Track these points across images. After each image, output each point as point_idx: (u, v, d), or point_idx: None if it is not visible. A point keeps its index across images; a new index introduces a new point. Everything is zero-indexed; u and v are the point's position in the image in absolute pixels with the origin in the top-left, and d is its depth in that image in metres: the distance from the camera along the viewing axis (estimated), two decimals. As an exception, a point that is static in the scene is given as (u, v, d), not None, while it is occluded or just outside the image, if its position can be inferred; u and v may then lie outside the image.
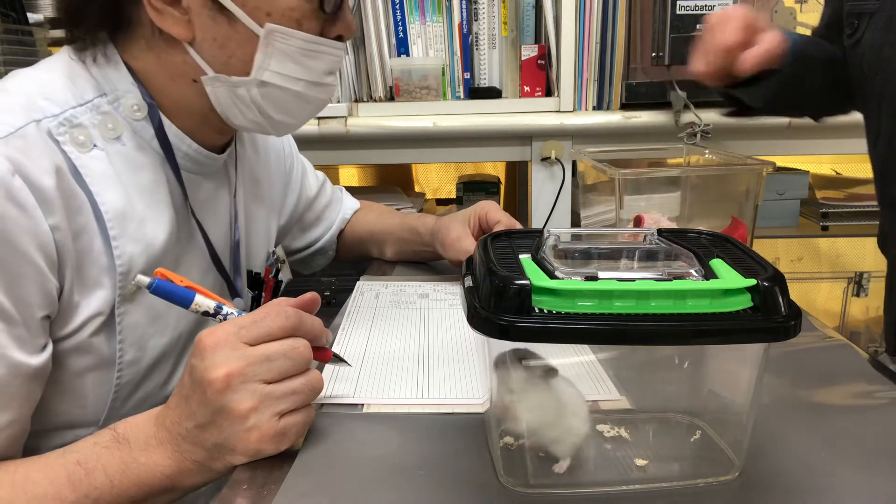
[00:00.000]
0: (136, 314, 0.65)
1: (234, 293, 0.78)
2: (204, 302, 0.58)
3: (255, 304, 0.84)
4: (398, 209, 1.49)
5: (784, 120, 1.38)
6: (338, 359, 0.60)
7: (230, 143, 0.78)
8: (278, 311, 0.52)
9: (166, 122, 0.67)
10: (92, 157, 0.61)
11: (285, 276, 0.97)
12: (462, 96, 1.45)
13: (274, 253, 0.92)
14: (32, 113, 0.59)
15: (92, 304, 0.62)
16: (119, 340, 0.64)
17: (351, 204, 1.10)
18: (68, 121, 0.61)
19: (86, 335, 0.62)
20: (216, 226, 0.76)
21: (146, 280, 0.57)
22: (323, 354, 0.58)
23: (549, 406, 0.47)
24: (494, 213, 0.91)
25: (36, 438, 0.62)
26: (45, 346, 0.59)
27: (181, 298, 0.58)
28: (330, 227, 1.06)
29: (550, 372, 0.48)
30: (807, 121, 1.38)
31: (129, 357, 0.65)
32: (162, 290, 0.58)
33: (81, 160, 0.60)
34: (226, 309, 0.58)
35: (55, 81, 0.63)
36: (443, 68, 1.42)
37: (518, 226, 0.91)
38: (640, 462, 0.49)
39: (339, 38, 0.68)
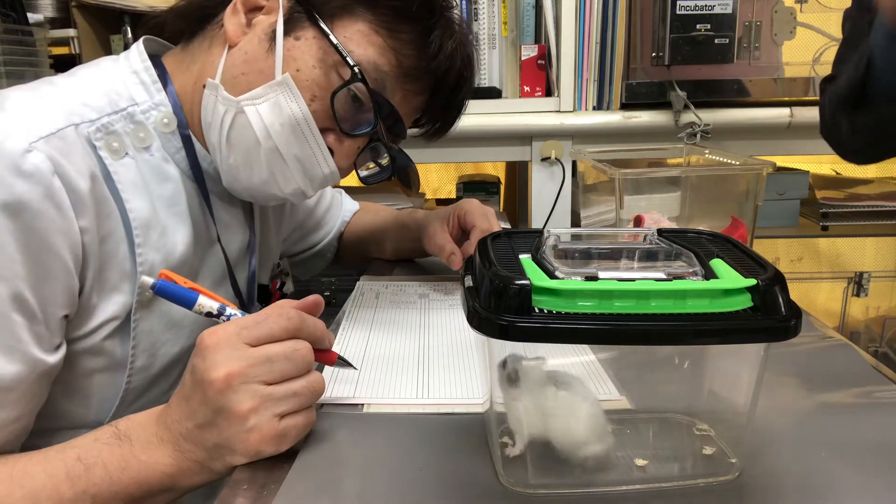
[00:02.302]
0: (151, 321, 0.66)
1: (243, 306, 0.78)
2: (207, 303, 0.59)
3: None
4: (398, 209, 1.49)
5: (784, 120, 1.38)
6: (343, 362, 0.60)
7: None
8: (280, 312, 0.53)
9: (193, 139, 0.69)
10: (123, 165, 0.63)
11: (289, 289, 0.98)
12: (462, 96, 1.45)
13: (279, 265, 0.92)
14: (72, 117, 0.60)
15: (109, 307, 0.62)
16: (132, 346, 0.65)
17: (350, 206, 1.11)
18: (105, 127, 0.62)
19: (100, 338, 0.63)
20: (232, 241, 0.76)
21: (150, 281, 0.58)
22: (327, 357, 0.58)
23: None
24: (472, 215, 0.90)
25: (36, 437, 0.62)
26: (59, 346, 0.60)
27: (184, 300, 0.58)
28: (330, 231, 1.07)
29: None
30: (807, 121, 1.39)
31: (140, 363, 0.66)
32: (165, 292, 0.58)
33: (114, 167, 0.62)
34: (229, 310, 0.59)
35: (91, 89, 0.64)
36: (443, 68, 1.42)
37: (497, 227, 0.89)
38: (640, 462, 0.49)
39: (331, 151, 0.67)
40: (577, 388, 0.48)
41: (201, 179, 0.70)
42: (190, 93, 0.68)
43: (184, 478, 0.52)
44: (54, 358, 0.59)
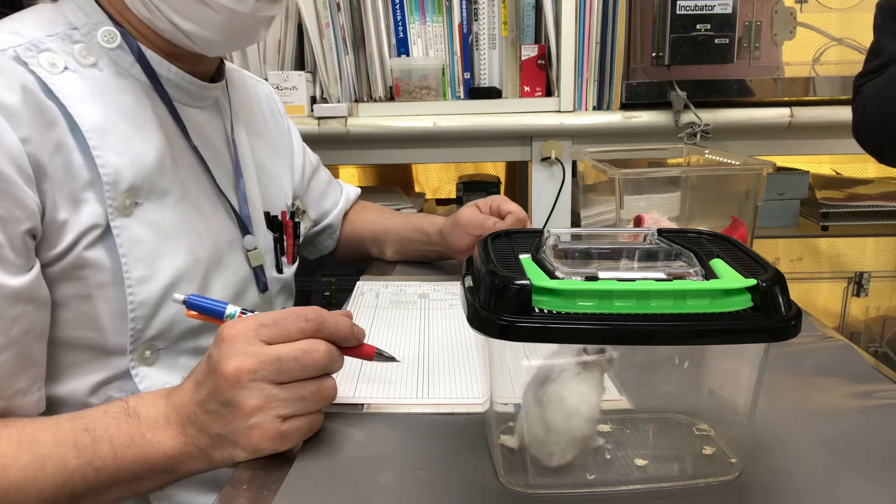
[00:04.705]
0: (137, 230, 0.65)
1: (244, 229, 0.78)
2: (236, 308, 0.60)
3: (278, 244, 0.86)
4: (398, 209, 1.49)
5: (784, 120, 1.38)
6: (382, 356, 0.59)
7: (219, 76, 0.79)
8: (299, 313, 0.53)
9: (143, 48, 0.68)
10: (63, 78, 0.62)
11: (306, 223, 0.98)
12: (462, 96, 1.45)
13: (294, 203, 0.93)
14: None
15: (82, 219, 0.62)
16: (122, 255, 0.64)
17: (352, 188, 1.12)
18: (35, 46, 0.62)
19: (80, 250, 0.62)
20: (216, 159, 0.76)
21: (181, 297, 0.60)
22: (361, 352, 0.57)
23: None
24: (507, 204, 0.93)
25: (70, 377, 0.64)
26: (31, 268, 0.59)
27: (214, 311, 0.60)
28: (337, 203, 1.07)
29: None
30: (807, 121, 1.38)
31: (137, 274, 0.65)
32: (195, 305, 0.60)
33: (52, 80, 0.61)
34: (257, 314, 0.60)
35: (23, 22, 0.65)
36: (443, 68, 1.42)
37: (526, 218, 0.93)
38: (640, 462, 0.49)
39: None
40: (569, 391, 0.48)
41: (161, 88, 0.70)
42: (118, 8, 0.68)
43: (184, 462, 0.53)
44: (21, 280, 0.57)
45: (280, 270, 0.86)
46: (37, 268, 0.59)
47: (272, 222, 0.85)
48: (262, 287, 0.81)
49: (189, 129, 0.73)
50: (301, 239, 0.93)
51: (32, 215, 0.58)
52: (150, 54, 0.69)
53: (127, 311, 0.64)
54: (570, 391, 0.47)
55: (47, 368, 0.63)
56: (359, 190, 1.13)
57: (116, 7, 0.67)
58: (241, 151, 0.81)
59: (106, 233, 0.63)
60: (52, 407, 0.64)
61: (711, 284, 0.42)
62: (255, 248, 0.80)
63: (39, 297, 0.60)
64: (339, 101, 1.41)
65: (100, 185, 0.62)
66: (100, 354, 0.65)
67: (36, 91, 0.60)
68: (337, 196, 1.08)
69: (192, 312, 0.60)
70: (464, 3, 1.41)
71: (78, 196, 0.62)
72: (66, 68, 0.63)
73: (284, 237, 0.87)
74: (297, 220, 0.91)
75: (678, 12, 1.31)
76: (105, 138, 0.63)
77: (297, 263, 0.91)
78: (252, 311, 0.60)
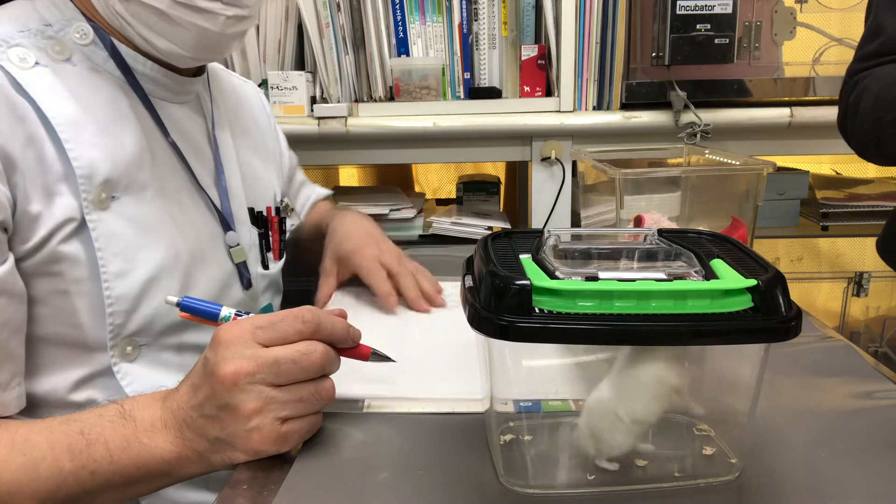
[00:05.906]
0: (114, 224, 0.65)
1: (225, 225, 0.78)
2: (231, 310, 0.60)
3: (263, 241, 0.85)
4: (398, 209, 1.49)
5: (784, 120, 1.38)
6: (378, 356, 0.59)
7: (200, 71, 0.79)
8: (296, 315, 0.52)
9: (117, 44, 0.68)
10: (34, 73, 0.62)
11: (293, 219, 0.97)
12: (462, 96, 1.45)
13: (283, 201, 0.92)
14: None
15: (56, 212, 0.61)
16: (98, 249, 0.63)
17: (322, 190, 1.10)
18: (5, 42, 0.62)
19: (55, 243, 0.61)
20: (195, 155, 0.76)
21: (174, 300, 0.59)
22: (357, 352, 0.57)
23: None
24: (364, 273, 0.85)
25: (50, 374, 0.63)
26: (4, 261, 0.58)
27: (208, 313, 0.59)
28: (305, 204, 1.06)
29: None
30: (807, 120, 1.38)
31: (114, 268, 0.64)
32: (189, 308, 0.59)
33: (22, 75, 0.61)
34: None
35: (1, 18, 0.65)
36: (443, 68, 1.42)
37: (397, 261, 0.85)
38: (640, 462, 0.49)
39: None
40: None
41: (136, 82, 0.70)
42: (90, 8, 0.68)
43: (181, 466, 0.53)
44: None
45: (266, 267, 0.85)
46: (10, 261, 0.59)
47: (257, 218, 0.84)
48: (246, 283, 0.81)
49: (167, 124, 0.72)
50: (287, 234, 0.92)
51: (3, 208, 0.58)
52: (125, 49, 0.69)
53: (104, 305, 0.64)
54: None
55: (26, 366, 0.62)
56: (329, 192, 1.11)
57: (88, 7, 0.68)
58: (222, 148, 0.80)
59: (81, 226, 0.63)
60: (33, 405, 0.63)
61: (711, 285, 0.42)
62: (238, 245, 0.79)
63: (14, 290, 0.59)
64: (339, 101, 1.41)
65: (73, 178, 0.62)
66: (80, 351, 0.65)
67: (5, 86, 0.60)
68: (306, 197, 1.07)
69: (186, 314, 0.60)
70: (464, 3, 1.41)
71: (51, 189, 0.61)
72: (37, 63, 0.63)
73: (270, 233, 0.87)
74: (283, 215, 0.91)
75: (678, 12, 1.31)
76: (77, 131, 0.63)
77: (283, 260, 0.90)
78: (246, 313, 0.59)
